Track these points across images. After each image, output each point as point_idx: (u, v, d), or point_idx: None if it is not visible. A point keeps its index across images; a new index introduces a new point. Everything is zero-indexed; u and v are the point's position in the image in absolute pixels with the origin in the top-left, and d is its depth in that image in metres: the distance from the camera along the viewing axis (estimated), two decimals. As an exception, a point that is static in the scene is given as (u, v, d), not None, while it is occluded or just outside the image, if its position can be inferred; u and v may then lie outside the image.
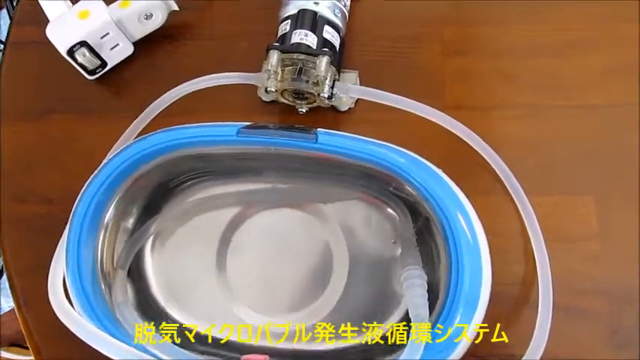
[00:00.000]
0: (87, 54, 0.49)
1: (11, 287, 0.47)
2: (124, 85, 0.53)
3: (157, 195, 0.45)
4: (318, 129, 0.41)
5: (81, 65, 0.50)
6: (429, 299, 0.38)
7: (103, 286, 0.41)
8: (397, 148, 0.41)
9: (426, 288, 0.39)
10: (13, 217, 0.49)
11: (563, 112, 0.49)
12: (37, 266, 0.42)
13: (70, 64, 0.50)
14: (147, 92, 0.48)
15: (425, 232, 0.43)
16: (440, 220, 0.39)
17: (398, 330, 0.42)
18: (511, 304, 0.44)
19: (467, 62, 0.51)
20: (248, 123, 0.42)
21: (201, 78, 0.48)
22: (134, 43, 0.52)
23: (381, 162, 0.40)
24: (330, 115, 0.50)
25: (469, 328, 0.37)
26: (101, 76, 0.52)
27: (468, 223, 0.38)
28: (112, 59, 0.52)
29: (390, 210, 0.44)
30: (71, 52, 0.49)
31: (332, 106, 0.49)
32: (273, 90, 0.46)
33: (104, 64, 0.51)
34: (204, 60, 0.53)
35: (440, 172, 0.40)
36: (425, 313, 0.38)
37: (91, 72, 0.51)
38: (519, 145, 0.47)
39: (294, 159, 0.42)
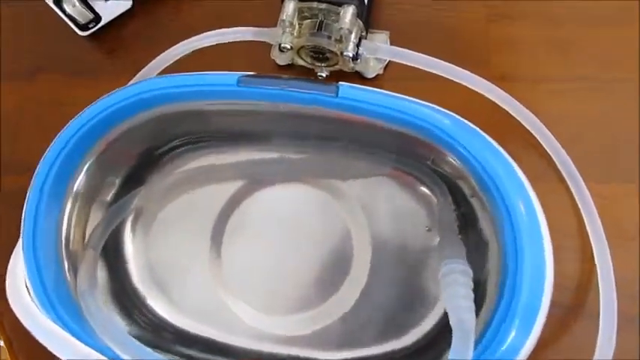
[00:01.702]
0: (77, 3, 0.43)
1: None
2: (120, 44, 0.47)
3: (141, 164, 0.39)
4: (341, 82, 0.33)
5: (71, 18, 0.45)
6: (475, 301, 0.30)
7: (67, 269, 0.34)
8: (440, 108, 0.32)
9: (472, 287, 0.31)
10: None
11: (626, 86, 0.42)
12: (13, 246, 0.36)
13: (60, 17, 0.44)
14: (145, 53, 0.42)
15: (468, 217, 0.35)
16: (494, 203, 0.30)
17: (432, 338, 0.35)
18: (564, 313, 0.37)
19: (515, 28, 0.45)
20: (251, 73, 0.34)
21: (207, 33, 0.41)
22: None
23: (419, 123, 0.31)
24: (354, 82, 0.40)
25: (526, 345, 0.29)
26: (95, 32, 0.46)
27: (529, 209, 0.30)
28: (107, 13, 0.46)
29: (424, 189, 0.37)
30: (59, 1, 0.43)
31: (357, 71, 0.42)
32: (289, 47, 0.39)
33: (98, 18, 0.45)
34: (210, 19, 0.45)
35: (494, 142, 0.32)
36: (470, 320, 0.29)
37: (83, 27, 0.46)
38: (575, 123, 0.41)
39: (309, 121, 0.34)
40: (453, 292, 0.30)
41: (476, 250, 0.34)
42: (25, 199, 0.36)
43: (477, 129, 0.32)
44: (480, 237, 0.34)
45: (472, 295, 0.30)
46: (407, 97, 0.33)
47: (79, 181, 0.35)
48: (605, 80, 0.42)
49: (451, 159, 0.32)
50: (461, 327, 0.28)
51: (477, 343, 0.29)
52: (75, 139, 0.33)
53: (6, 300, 0.35)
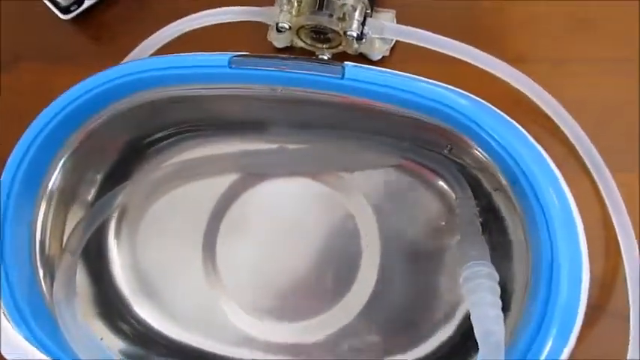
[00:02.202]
0: None
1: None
2: (105, 28, 0.44)
3: (125, 157, 0.36)
4: (346, 62, 0.30)
5: (51, 0, 0.42)
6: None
7: (42, 277, 0.31)
8: (462, 91, 0.29)
9: (499, 293, 0.27)
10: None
11: (655, 68, 0.40)
12: None
13: (42, 2, 0.42)
14: (132, 37, 0.40)
15: (489, 214, 0.32)
16: (523, 196, 0.27)
17: (452, 347, 0.32)
18: (591, 312, 0.33)
19: (533, 4, 0.42)
20: (244, 52, 0.30)
21: (198, 14, 0.39)
22: None
23: (438, 107, 0.27)
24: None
25: (563, 354, 0.26)
26: (78, 16, 0.44)
27: (563, 202, 0.27)
28: None
29: (440, 182, 0.34)
30: None
31: (361, 53, 0.40)
32: (287, 27, 0.36)
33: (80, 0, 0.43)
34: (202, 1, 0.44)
35: (521, 127, 0.29)
36: (500, 332, 0.26)
37: (65, 9, 0.43)
38: (599, 108, 0.38)
39: (311, 107, 0.31)
40: (478, 300, 0.27)
41: (497, 250, 0.31)
42: None
43: (503, 114, 0.28)
44: (502, 235, 0.31)
45: (500, 303, 0.27)
46: (421, 77, 0.30)
47: (54, 179, 0.32)
48: (632, 61, 0.39)
49: (472, 148, 0.29)
50: (489, 340, 0.25)
51: (507, 354, 0.26)
52: (46, 131, 0.29)
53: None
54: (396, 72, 0.29)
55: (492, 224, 0.32)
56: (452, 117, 0.27)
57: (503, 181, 0.28)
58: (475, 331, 0.26)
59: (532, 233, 0.27)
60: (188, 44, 0.38)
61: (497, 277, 0.28)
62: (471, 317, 0.27)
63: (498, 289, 0.27)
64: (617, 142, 0.37)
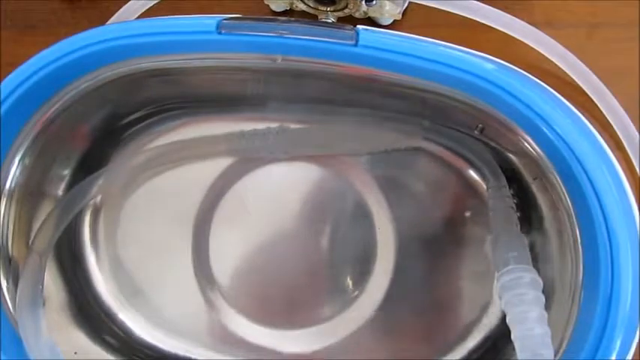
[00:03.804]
0: None
1: None
2: None
3: (100, 142, 0.32)
4: (359, 26, 0.25)
5: None
6: None
7: (5, 283, 0.27)
8: (499, 60, 0.25)
9: (544, 303, 0.23)
10: None
11: None
12: None
13: None
14: (110, 1, 0.36)
15: (524, 204, 0.28)
16: (575, 185, 0.23)
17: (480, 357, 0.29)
18: None
19: None
20: (236, 15, 0.26)
21: None
22: None
23: (470, 79, 0.23)
24: None
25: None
26: None
27: (623, 199, 0.23)
28: None
29: (469, 168, 0.30)
30: None
31: (369, 18, 0.36)
32: None
33: None
34: None
35: (571, 104, 0.25)
36: (549, 355, 0.22)
37: None
38: (634, 76, 0.35)
39: (316, 80, 0.27)
40: (521, 315, 0.23)
41: (533, 249, 0.28)
42: None
43: (555, 92, 0.24)
44: (541, 233, 0.28)
45: (546, 316, 0.23)
46: (448, 43, 0.25)
47: (13, 174, 0.28)
48: None
49: (511, 130, 0.25)
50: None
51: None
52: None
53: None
54: (419, 37, 0.25)
55: (529, 218, 0.28)
56: (491, 93, 0.23)
57: (549, 171, 0.24)
58: (518, 352, 0.23)
59: (585, 232, 0.23)
60: (175, 7, 0.34)
61: (541, 284, 0.24)
62: (513, 335, 0.23)
63: (543, 299, 0.24)
64: None
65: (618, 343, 0.22)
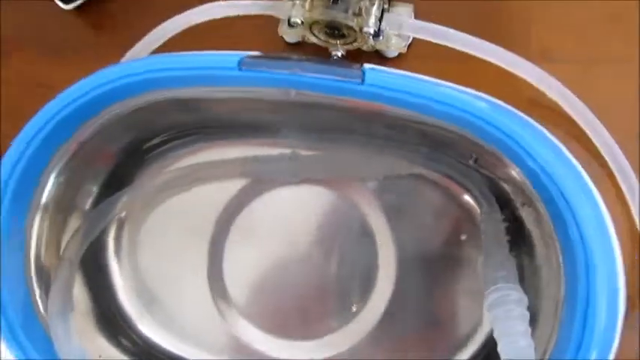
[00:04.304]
0: None
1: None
2: (107, 19, 0.43)
3: (126, 162, 0.34)
4: (366, 65, 0.28)
5: None
6: None
7: (38, 290, 0.30)
8: (491, 98, 0.27)
9: (528, 319, 0.26)
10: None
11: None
12: None
13: None
14: (136, 28, 0.38)
15: (514, 229, 0.30)
16: (556, 211, 0.25)
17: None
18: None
19: None
20: (255, 52, 0.28)
21: (207, 5, 0.37)
22: None
23: (465, 115, 0.26)
24: (374, 62, 0.37)
25: None
26: (80, 5, 0.42)
27: (598, 218, 0.25)
28: None
29: (463, 194, 0.33)
30: None
31: (376, 50, 0.38)
32: (299, 22, 0.35)
33: None
34: None
35: (553, 137, 0.27)
36: None
37: None
38: (630, 112, 0.37)
39: (326, 112, 0.30)
40: (507, 329, 0.25)
41: (523, 269, 0.30)
42: None
43: (539, 125, 0.27)
44: (528, 254, 0.30)
45: (530, 330, 0.25)
46: (447, 82, 0.28)
47: (49, 190, 0.31)
48: None
49: (501, 161, 0.27)
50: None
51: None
52: (37, 140, 0.28)
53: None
54: (421, 77, 0.28)
55: (518, 242, 0.30)
56: (482, 129, 0.26)
57: (535, 198, 0.27)
58: None
59: (566, 253, 0.25)
60: (195, 37, 0.37)
61: (527, 302, 0.26)
62: (499, 347, 0.25)
63: (527, 315, 0.26)
64: None
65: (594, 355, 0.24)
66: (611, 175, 0.35)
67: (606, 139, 0.35)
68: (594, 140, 0.35)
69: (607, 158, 0.35)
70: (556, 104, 0.35)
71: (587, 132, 0.35)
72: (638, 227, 0.33)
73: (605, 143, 0.35)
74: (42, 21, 0.43)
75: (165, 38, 0.38)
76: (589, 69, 0.38)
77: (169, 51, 0.36)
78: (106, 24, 0.43)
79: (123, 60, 0.38)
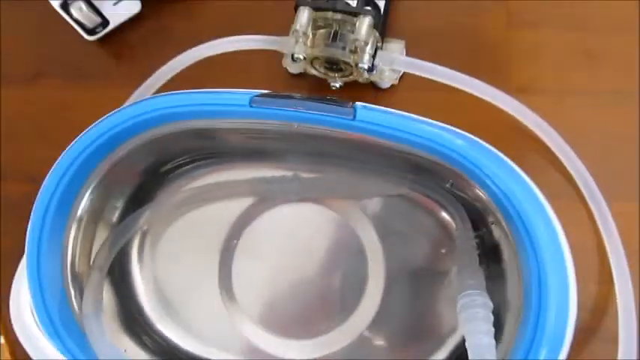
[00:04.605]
0: (84, 8, 0.42)
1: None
2: (127, 49, 0.45)
3: (147, 182, 0.37)
4: (357, 103, 0.31)
5: (78, 22, 0.43)
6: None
7: (73, 292, 0.33)
8: (459, 130, 0.31)
9: (492, 321, 0.29)
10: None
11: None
12: (15, 256, 0.34)
13: (65, 20, 0.43)
14: (153, 58, 0.40)
15: (487, 243, 0.34)
16: (515, 228, 0.29)
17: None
18: (582, 335, 0.36)
19: (538, 36, 0.42)
20: (264, 91, 0.31)
21: (216, 41, 0.39)
22: (142, 1, 0.44)
23: (438, 148, 0.29)
24: (368, 93, 0.41)
25: None
26: (102, 36, 0.44)
27: (551, 232, 0.28)
28: (115, 17, 0.44)
29: (443, 213, 0.35)
30: (65, 5, 0.42)
31: (371, 82, 0.41)
32: (302, 57, 0.37)
33: (105, 22, 0.44)
34: (222, 24, 0.44)
35: (513, 163, 0.30)
36: (493, 358, 0.27)
37: (91, 31, 0.44)
38: (599, 140, 0.39)
39: (324, 141, 0.32)
40: (473, 328, 0.28)
41: (495, 279, 0.32)
42: (25, 205, 0.34)
43: (497, 152, 0.30)
44: (499, 265, 0.32)
45: (493, 330, 0.28)
46: (425, 119, 0.31)
47: (84, 205, 0.33)
48: (633, 94, 0.40)
49: (471, 184, 0.30)
50: (482, 367, 0.27)
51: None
52: (79, 160, 0.31)
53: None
54: (403, 114, 0.31)
55: (490, 255, 0.33)
56: (452, 157, 0.29)
57: (499, 216, 0.30)
58: (470, 356, 0.28)
59: (523, 264, 0.28)
60: (207, 66, 0.39)
61: (491, 305, 0.29)
62: (467, 344, 0.28)
63: (492, 318, 0.29)
64: (615, 173, 0.38)
65: (543, 356, 0.27)
66: (582, 198, 0.37)
67: (577, 165, 0.37)
68: (566, 165, 0.37)
69: (578, 182, 0.37)
70: (532, 132, 0.37)
71: (560, 158, 0.37)
72: (606, 248, 0.35)
73: (577, 169, 0.37)
74: (67, 50, 0.45)
75: (180, 69, 0.40)
76: (562, 100, 0.40)
77: (184, 79, 0.39)
78: (126, 54, 0.45)
79: (138, 91, 0.40)
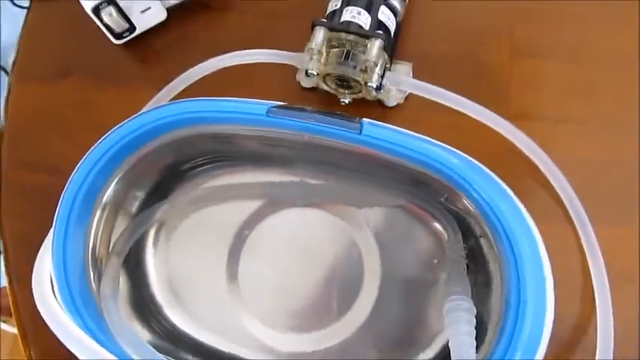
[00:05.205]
0: (114, 14, 0.44)
1: (5, 259, 0.42)
2: (151, 54, 0.47)
3: (166, 178, 0.39)
4: (364, 119, 0.34)
5: (107, 26, 0.45)
6: (476, 337, 0.32)
7: (92, 274, 0.35)
8: (454, 149, 0.33)
9: (474, 324, 0.32)
10: (16, 184, 0.45)
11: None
12: (34, 241, 0.37)
13: (96, 24, 0.45)
14: (176, 64, 0.42)
15: (476, 255, 0.36)
16: (501, 244, 0.31)
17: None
18: (563, 350, 0.38)
19: (538, 66, 0.45)
20: (280, 103, 0.34)
21: (234, 53, 0.42)
22: (168, 10, 0.47)
23: (434, 164, 0.32)
24: (375, 110, 0.44)
25: None
26: (128, 41, 0.47)
27: (533, 248, 0.31)
28: (142, 24, 0.46)
29: (436, 224, 0.38)
30: (97, 10, 0.44)
31: (378, 100, 0.43)
32: (315, 73, 0.39)
33: (132, 28, 0.46)
34: (242, 35, 0.47)
35: (502, 183, 0.33)
36: (471, 356, 0.30)
37: (118, 35, 0.46)
38: (590, 165, 0.41)
39: (331, 151, 0.35)
40: (456, 329, 0.31)
41: (481, 287, 0.35)
42: (49, 196, 0.36)
43: (488, 171, 0.33)
44: (485, 275, 0.35)
45: (474, 332, 0.31)
46: (425, 137, 0.33)
47: (108, 194, 0.36)
48: (628, 123, 0.42)
49: (463, 199, 0.33)
50: (462, 364, 0.29)
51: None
52: (109, 154, 0.34)
53: (27, 292, 0.35)
54: (406, 132, 0.33)
55: (477, 265, 0.35)
56: (448, 174, 0.32)
57: (487, 230, 0.32)
58: (452, 355, 0.31)
59: (506, 277, 0.31)
60: (225, 75, 0.41)
61: (474, 310, 0.32)
62: (450, 344, 0.31)
63: (474, 321, 0.32)
64: (602, 198, 0.39)
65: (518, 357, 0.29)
66: (570, 220, 0.39)
67: (567, 189, 0.39)
68: (556, 188, 0.39)
69: (567, 205, 0.39)
70: (526, 155, 0.39)
71: (551, 181, 0.39)
72: (591, 269, 0.37)
73: (566, 192, 0.39)
74: (95, 52, 0.47)
75: (200, 76, 0.42)
76: (557, 127, 0.42)
77: (203, 86, 0.41)
78: (151, 58, 0.47)
79: (159, 94, 0.42)
